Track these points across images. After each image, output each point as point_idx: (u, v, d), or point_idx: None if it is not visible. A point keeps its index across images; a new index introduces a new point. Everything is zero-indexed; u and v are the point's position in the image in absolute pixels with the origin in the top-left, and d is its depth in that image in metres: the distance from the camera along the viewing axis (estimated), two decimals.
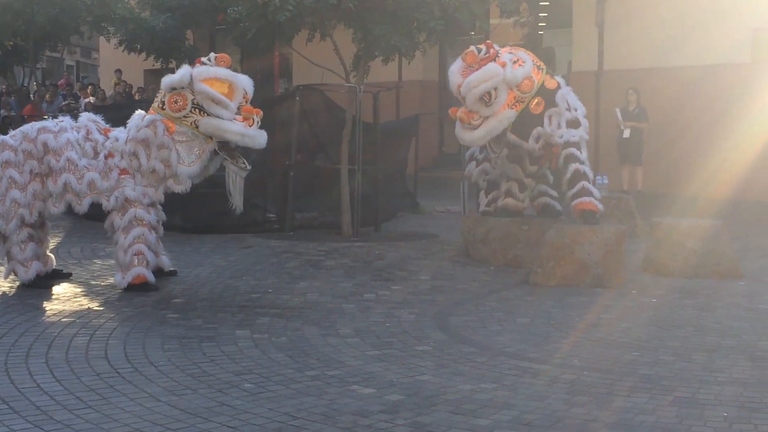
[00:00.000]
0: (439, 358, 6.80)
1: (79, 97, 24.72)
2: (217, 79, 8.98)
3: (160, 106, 9.07)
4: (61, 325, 7.62)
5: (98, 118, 9.52)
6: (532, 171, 10.94)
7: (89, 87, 25.55)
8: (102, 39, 24.03)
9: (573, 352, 6.99)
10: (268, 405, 5.67)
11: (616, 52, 18.60)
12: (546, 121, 10.20)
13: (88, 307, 8.34)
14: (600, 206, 10.21)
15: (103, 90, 24.84)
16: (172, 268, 9.77)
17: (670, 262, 10.14)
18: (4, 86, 25.90)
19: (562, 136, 10.18)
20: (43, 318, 7.94)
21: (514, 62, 10.03)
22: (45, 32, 21.22)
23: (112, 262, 10.56)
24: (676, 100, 17.21)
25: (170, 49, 21.54)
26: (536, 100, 10.13)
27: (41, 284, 9.16)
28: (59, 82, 28.18)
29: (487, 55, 10.00)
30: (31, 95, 23.93)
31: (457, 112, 10.06)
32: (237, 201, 9.20)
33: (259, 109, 9.17)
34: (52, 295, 8.92)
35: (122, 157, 9.01)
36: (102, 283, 9.46)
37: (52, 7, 20.35)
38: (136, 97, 22.80)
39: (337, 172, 13.14)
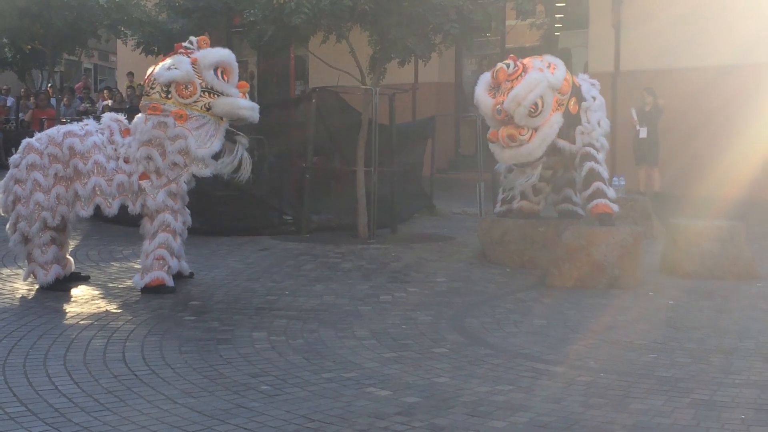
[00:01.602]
0: (456, 360, 6.80)
1: (95, 101, 24.81)
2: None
3: (164, 96, 8.98)
4: (79, 328, 7.66)
5: (121, 117, 9.49)
6: (547, 175, 10.82)
7: (105, 90, 25.65)
8: (119, 42, 24.15)
9: (589, 354, 6.97)
10: (285, 407, 5.69)
11: (632, 53, 18.57)
12: (583, 117, 10.02)
13: (106, 310, 8.38)
14: (615, 208, 10.11)
15: (120, 92, 24.93)
16: (190, 271, 9.80)
17: (686, 264, 10.10)
18: (23, 90, 26.02)
19: (598, 139, 10.07)
20: (62, 320, 7.98)
21: (547, 66, 9.69)
22: (62, 36, 21.28)
23: (130, 264, 10.65)
24: (693, 100, 17.16)
25: None
26: (573, 100, 9.89)
27: (60, 287, 9.20)
28: (76, 86, 28.26)
29: (516, 68, 9.62)
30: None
31: (500, 133, 9.61)
32: (247, 172, 9.23)
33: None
34: (71, 297, 8.97)
35: (138, 163, 9.02)
36: (120, 286, 9.51)
37: (69, 11, 20.42)
38: None
39: (353, 174, 13.14)
